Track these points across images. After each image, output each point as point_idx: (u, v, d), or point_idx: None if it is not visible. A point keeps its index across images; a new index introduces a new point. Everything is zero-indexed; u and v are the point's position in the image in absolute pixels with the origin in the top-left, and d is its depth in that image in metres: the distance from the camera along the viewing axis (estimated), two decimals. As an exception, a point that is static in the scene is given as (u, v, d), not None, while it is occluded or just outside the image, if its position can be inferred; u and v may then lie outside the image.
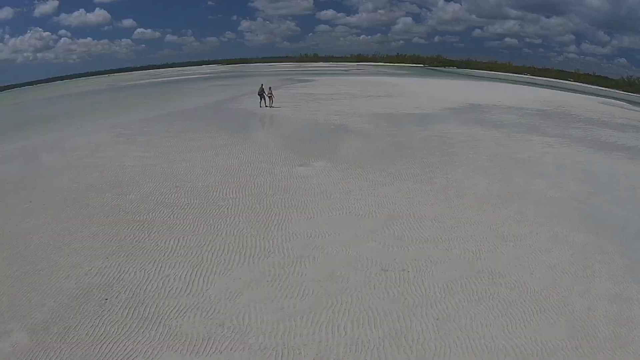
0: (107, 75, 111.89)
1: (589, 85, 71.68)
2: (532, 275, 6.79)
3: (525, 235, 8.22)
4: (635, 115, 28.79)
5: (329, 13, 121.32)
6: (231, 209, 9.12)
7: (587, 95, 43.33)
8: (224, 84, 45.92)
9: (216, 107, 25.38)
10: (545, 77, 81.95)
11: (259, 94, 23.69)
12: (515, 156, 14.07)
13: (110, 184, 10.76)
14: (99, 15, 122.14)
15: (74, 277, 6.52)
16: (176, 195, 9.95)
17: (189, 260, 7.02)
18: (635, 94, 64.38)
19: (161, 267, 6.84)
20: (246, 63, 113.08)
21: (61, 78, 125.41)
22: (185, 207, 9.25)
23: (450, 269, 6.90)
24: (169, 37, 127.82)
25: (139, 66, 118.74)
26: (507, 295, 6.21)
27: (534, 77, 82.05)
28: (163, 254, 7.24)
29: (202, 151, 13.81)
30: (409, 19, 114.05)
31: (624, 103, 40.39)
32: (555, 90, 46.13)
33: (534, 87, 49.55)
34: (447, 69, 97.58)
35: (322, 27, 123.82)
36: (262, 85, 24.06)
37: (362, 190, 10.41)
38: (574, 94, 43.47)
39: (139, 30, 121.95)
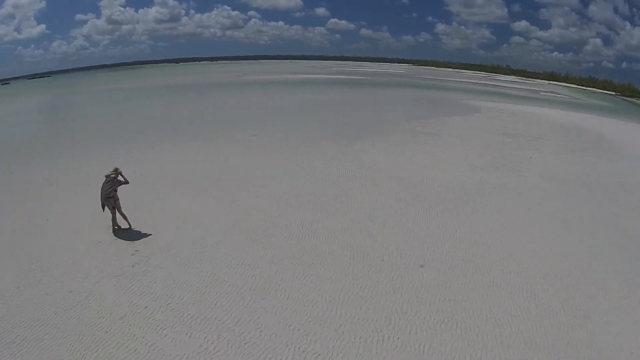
0: (289, 61, 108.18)
1: None
2: None
3: None
4: None
5: (522, 24, 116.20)
6: None
7: None
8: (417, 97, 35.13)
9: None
10: None
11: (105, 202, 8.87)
12: None
13: None
14: (290, 0, 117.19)
15: None
16: None
17: None
18: None
19: None
20: (437, 67, 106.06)
21: (250, 58, 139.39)
22: None
23: None
24: (364, 31, 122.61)
25: (331, 55, 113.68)
26: None
27: None
28: None
29: None
30: (598, 40, 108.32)
31: None
32: None
33: None
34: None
35: (517, 38, 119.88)
36: (113, 172, 8.81)
37: None
38: None
39: (333, 20, 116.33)
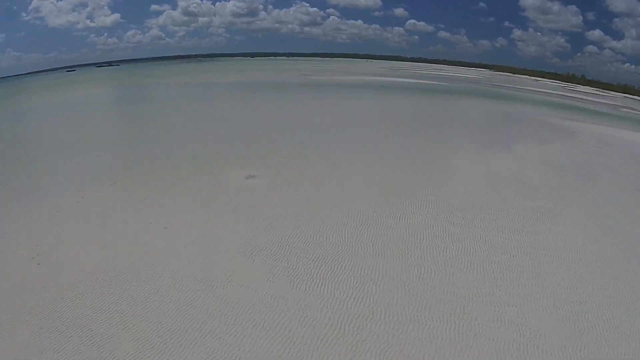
0: (366, 60, 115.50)
1: None
2: None
3: None
4: None
5: (596, 34, 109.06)
6: None
7: None
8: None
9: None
10: None
11: None
12: None
13: None
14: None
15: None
16: None
17: None
18: None
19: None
20: (514, 73, 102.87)
21: (327, 55, 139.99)
22: None
23: None
24: (442, 34, 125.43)
25: (409, 57, 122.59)
26: None
27: None
28: None
29: None
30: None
31: None
32: None
33: None
34: None
35: (590, 47, 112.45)
36: None
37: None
38: None
39: (411, 21, 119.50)
